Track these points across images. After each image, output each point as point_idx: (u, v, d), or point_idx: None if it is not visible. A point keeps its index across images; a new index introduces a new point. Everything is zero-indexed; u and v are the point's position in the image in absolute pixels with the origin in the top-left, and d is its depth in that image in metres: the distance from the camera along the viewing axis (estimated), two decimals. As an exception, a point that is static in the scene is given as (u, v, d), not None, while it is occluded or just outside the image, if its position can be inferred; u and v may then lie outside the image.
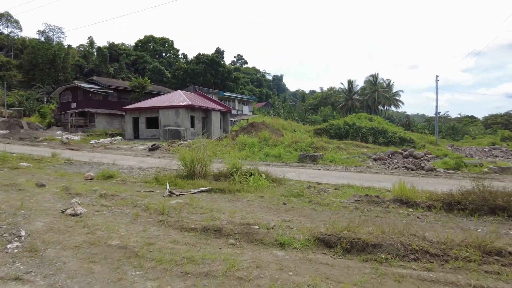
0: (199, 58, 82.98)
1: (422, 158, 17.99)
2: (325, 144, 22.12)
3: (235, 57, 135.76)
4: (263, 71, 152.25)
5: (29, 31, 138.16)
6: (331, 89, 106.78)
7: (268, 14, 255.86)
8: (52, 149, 19.64)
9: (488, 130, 64.27)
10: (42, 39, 75.32)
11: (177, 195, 6.43)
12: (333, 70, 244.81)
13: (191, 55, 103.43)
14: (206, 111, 30.63)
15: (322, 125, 30.76)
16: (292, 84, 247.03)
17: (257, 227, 4.36)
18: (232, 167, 9.60)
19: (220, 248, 3.74)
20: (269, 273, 3.04)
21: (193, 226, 4.35)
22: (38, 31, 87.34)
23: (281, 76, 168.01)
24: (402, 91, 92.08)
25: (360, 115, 35.42)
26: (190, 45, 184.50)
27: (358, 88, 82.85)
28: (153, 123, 29.89)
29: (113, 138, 28.92)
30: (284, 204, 6.00)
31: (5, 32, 77.55)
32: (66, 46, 75.80)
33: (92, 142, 26.20)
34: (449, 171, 14.11)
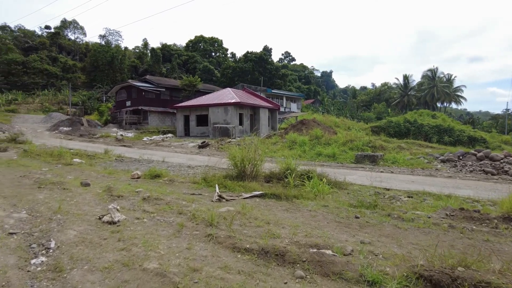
0: (247, 56, 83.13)
1: (502, 161, 15.40)
2: (384, 143, 20.16)
3: (282, 54, 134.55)
4: (311, 68, 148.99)
5: (92, 36, 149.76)
6: (384, 84, 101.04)
7: (317, 10, 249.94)
8: (106, 146, 20.28)
9: None
10: (103, 42, 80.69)
11: (227, 200, 5.60)
12: (385, 65, 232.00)
13: (239, 54, 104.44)
14: (254, 109, 29.98)
15: (380, 123, 28.46)
16: (341, 81, 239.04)
17: (330, 252, 3.30)
18: (286, 168, 8.61)
19: (286, 283, 2.76)
20: None
21: (247, 246, 3.43)
22: (100, 35, 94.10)
23: (330, 72, 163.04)
24: (464, 86, 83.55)
25: (421, 111, 32.28)
26: (239, 44, 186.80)
27: (414, 83, 76.95)
28: (203, 120, 29.97)
29: (164, 135, 29.52)
30: (357, 217, 4.86)
31: (72, 38, 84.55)
32: (123, 48, 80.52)
33: (145, 139, 26.89)
34: (547, 178, 11.72)
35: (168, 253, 3.25)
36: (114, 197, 5.35)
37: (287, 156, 16.62)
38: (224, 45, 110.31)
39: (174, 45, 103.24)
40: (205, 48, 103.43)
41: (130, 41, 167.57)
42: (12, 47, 65.88)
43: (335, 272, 2.92)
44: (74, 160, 11.09)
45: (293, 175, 7.79)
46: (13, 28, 79.02)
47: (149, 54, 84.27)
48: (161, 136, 29.19)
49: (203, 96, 32.66)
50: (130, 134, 30.50)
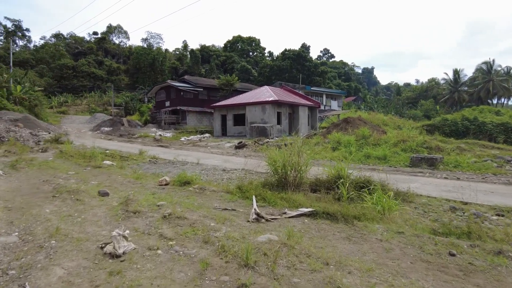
0: (285, 54, 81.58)
1: None
2: (441, 144, 17.82)
3: (321, 51, 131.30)
4: (352, 64, 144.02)
5: (135, 39, 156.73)
6: (432, 80, 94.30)
7: (356, 5, 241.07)
8: (143, 146, 20.02)
9: None
10: (145, 45, 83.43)
11: (267, 220, 4.38)
12: (430, 61, 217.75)
13: (276, 52, 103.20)
14: (293, 107, 28.52)
15: (433, 121, 25.71)
16: (383, 77, 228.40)
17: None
18: (336, 174, 7.22)
19: None
20: None
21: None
22: (142, 38, 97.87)
23: (372, 68, 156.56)
24: (528, 78, 74.97)
25: (482, 108, 28.79)
26: (276, 42, 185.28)
27: (466, 78, 70.41)
28: (240, 120, 29.11)
29: (202, 135, 29.09)
30: (452, 255, 3.40)
31: (116, 42, 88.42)
32: (163, 51, 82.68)
33: (182, 139, 26.58)
34: None
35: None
36: (130, 213, 4.35)
37: (332, 159, 15.10)
38: (262, 44, 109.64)
39: (213, 46, 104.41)
40: (242, 48, 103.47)
41: (170, 43, 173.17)
42: (64, 53, 70.19)
43: None
44: (105, 162, 10.52)
45: (347, 185, 6.38)
46: (65, 36, 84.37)
47: (189, 56, 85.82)
48: (199, 136, 28.77)
49: (240, 95, 31.82)
50: (168, 134, 30.47)
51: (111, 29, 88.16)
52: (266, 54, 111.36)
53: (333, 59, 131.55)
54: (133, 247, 3.21)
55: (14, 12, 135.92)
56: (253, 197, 5.44)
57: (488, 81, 63.22)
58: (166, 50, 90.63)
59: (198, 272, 2.80)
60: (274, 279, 2.66)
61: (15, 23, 74.56)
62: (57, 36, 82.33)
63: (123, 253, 3.07)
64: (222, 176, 9.32)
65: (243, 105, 27.54)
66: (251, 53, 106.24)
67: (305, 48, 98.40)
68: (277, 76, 73.07)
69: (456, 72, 70.54)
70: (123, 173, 8.70)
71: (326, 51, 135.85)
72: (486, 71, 65.98)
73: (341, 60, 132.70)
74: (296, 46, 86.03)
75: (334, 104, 55.60)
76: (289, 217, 4.57)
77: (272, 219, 4.43)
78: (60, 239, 3.41)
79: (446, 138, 20.86)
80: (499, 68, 66.42)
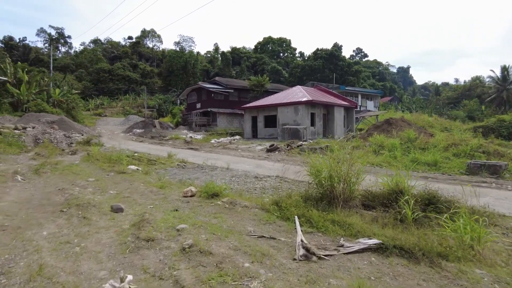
0: (317, 53, 79.57)
1: None
2: (500, 149, 15.66)
3: (354, 51, 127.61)
4: (386, 64, 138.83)
5: (168, 43, 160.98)
6: (476, 78, 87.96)
7: (390, 4, 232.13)
8: (173, 148, 19.49)
9: None
10: (177, 49, 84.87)
11: (319, 258, 3.24)
12: (471, 58, 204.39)
13: (308, 53, 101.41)
14: (328, 107, 26.96)
15: (486, 122, 23.11)
16: (419, 77, 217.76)
17: None
18: (394, 187, 5.93)
19: None
20: None
21: None
22: (174, 42, 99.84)
23: (408, 68, 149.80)
24: None
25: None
26: (307, 43, 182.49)
27: (516, 75, 64.45)
28: (271, 121, 28.03)
29: (232, 137, 28.34)
30: None
31: (150, 45, 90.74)
32: (195, 54, 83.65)
33: (212, 141, 25.95)
34: None
35: None
36: (141, 242, 3.40)
37: (377, 164, 13.58)
38: (292, 45, 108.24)
39: (243, 48, 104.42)
40: (273, 49, 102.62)
41: (202, 46, 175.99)
42: (101, 58, 73.00)
43: None
44: (130, 167, 9.85)
45: (412, 203, 5.08)
46: (103, 41, 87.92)
47: (220, 58, 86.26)
48: (229, 138, 28.04)
49: (271, 96, 30.73)
50: (199, 136, 30.05)
51: (145, 34, 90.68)
52: (297, 55, 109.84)
53: (366, 59, 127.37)
54: (133, 306, 2.21)
55: (58, 21, 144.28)
56: (296, 219, 4.31)
57: (542, 79, 57.51)
58: (198, 53, 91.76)
59: None
60: None
61: (58, 30, 78.75)
62: (95, 41, 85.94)
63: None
64: (254, 185, 8.26)
65: (275, 106, 26.43)
66: (281, 54, 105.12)
67: (337, 47, 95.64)
68: (308, 77, 71.29)
69: (504, 69, 64.75)
70: (147, 180, 7.90)
71: (359, 51, 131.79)
72: (542, 66, 60.09)
73: (375, 60, 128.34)
74: (328, 46, 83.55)
75: (370, 104, 53.05)
76: (348, 253, 3.40)
77: (326, 255, 3.28)
78: (39, 286, 2.49)
79: (504, 142, 18.47)
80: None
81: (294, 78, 74.06)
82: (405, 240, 3.54)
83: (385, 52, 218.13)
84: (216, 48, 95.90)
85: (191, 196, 6.05)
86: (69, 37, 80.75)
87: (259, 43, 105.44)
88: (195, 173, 10.27)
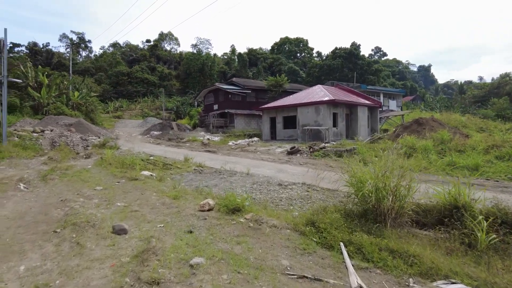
0: (335, 52, 77.85)
1: None
2: (550, 150, 14.09)
3: (372, 50, 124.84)
4: (406, 62, 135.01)
5: (185, 45, 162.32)
6: (505, 75, 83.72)
7: (408, 1, 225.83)
8: (190, 151, 18.81)
9: None
10: (194, 51, 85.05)
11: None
12: (497, 55, 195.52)
13: (325, 52, 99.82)
14: (351, 107, 25.66)
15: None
16: (440, 75, 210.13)
17: None
18: (452, 200, 4.89)
19: None
20: None
21: None
22: (192, 44, 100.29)
23: (429, 66, 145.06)
24: None
25: None
26: (325, 43, 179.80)
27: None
28: (290, 122, 26.99)
29: (250, 139, 27.49)
30: None
31: (168, 48, 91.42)
32: (212, 55, 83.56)
33: (230, 143, 25.19)
34: None
35: None
36: (143, 285, 2.53)
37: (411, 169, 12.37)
38: (310, 45, 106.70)
39: (260, 49, 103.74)
40: (290, 50, 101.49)
41: (219, 48, 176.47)
42: (120, 61, 73.98)
43: None
44: (143, 173, 9.11)
45: (485, 226, 4.02)
46: (121, 45, 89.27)
47: (236, 60, 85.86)
48: (247, 140, 27.20)
49: (290, 96, 29.67)
50: (216, 138, 29.37)
51: (162, 37, 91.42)
52: (314, 55, 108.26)
53: (385, 58, 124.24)
54: None
55: (79, 26, 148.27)
56: (342, 248, 3.35)
57: None
58: (215, 55, 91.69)
59: None
60: None
61: (79, 35, 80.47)
62: (114, 45, 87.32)
63: None
64: (279, 194, 7.31)
65: (294, 106, 25.37)
66: (298, 54, 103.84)
67: (355, 46, 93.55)
68: (327, 76, 69.73)
69: (537, 65, 61.21)
70: (160, 188, 7.11)
71: (377, 49, 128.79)
72: None
73: (394, 58, 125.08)
74: (346, 46, 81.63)
75: (392, 104, 51.12)
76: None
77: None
78: None
79: (551, 143, 16.75)
80: None
81: (312, 78, 72.61)
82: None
83: (405, 50, 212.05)
84: (233, 50, 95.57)
85: (208, 210, 5.18)
86: (89, 41, 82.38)
87: (275, 43, 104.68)
88: (213, 179, 9.44)
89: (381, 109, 40.82)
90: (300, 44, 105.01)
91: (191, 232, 3.98)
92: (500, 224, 4.54)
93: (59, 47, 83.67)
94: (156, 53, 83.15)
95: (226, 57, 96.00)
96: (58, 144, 17.51)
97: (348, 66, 72.92)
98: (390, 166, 5.07)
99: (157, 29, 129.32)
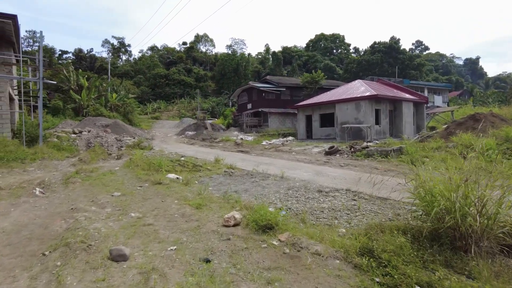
0: (374, 47, 74.31)
1: None
2: None
3: (413, 44, 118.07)
4: (451, 56, 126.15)
5: (220, 46, 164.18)
6: None
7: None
8: (222, 151, 18.13)
9: None
10: (229, 52, 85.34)
11: None
12: None
13: (362, 48, 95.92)
14: (395, 103, 23.62)
15: None
16: (491, 69, 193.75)
17: None
18: None
19: None
20: None
21: None
22: (226, 45, 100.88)
23: (477, 59, 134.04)
24: None
25: None
26: (362, 38, 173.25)
27: None
28: (327, 120, 25.50)
29: (284, 139, 26.39)
30: None
31: (203, 50, 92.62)
32: (246, 55, 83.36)
33: (264, 143, 24.27)
34: None
35: None
36: None
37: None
38: (346, 41, 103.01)
39: (295, 46, 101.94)
40: (325, 46, 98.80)
41: (253, 48, 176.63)
42: (158, 63, 76.04)
43: None
44: (168, 176, 8.42)
45: None
46: (159, 48, 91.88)
47: (271, 58, 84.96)
48: (281, 139, 26.12)
49: (327, 92, 28.09)
50: (249, 137, 28.60)
51: (198, 38, 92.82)
52: (351, 51, 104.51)
53: (427, 51, 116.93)
54: None
55: (119, 32, 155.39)
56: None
57: None
58: (249, 54, 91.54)
59: None
60: None
61: (119, 40, 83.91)
62: (152, 48, 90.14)
63: None
64: (319, 203, 6.20)
65: (332, 103, 23.85)
66: (334, 51, 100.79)
67: (394, 41, 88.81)
68: (365, 72, 66.58)
69: None
70: (184, 194, 6.30)
71: (419, 43, 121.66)
72: None
73: (437, 52, 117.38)
74: (384, 40, 77.56)
75: (437, 99, 47.40)
76: None
77: None
78: None
79: None
80: None
81: (350, 74, 69.73)
82: None
83: (449, 43, 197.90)
84: (267, 49, 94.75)
85: (234, 225, 4.23)
86: (129, 45, 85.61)
87: (311, 40, 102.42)
88: (244, 182, 8.51)
89: (427, 105, 37.78)
90: (336, 40, 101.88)
91: (208, 261, 3.05)
92: None
93: (102, 52, 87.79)
94: (192, 55, 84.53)
95: (260, 56, 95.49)
96: (93, 145, 17.61)
97: (388, 61, 69.16)
98: (472, 172, 3.82)
99: (193, 31, 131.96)
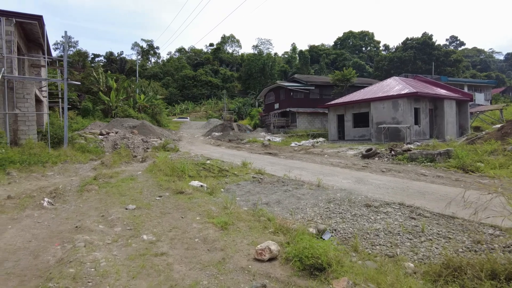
0: (407, 43, 70.69)
1: None
2: None
3: (447, 39, 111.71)
4: (490, 51, 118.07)
5: (246, 47, 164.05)
6: None
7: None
8: (249, 153, 17.23)
9: None
10: (256, 52, 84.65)
11: None
12: None
13: (393, 45, 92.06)
14: (435, 101, 21.67)
15: None
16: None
17: None
18: None
19: None
20: None
21: None
22: (253, 46, 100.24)
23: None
24: None
25: None
26: (392, 35, 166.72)
27: None
28: (361, 120, 23.94)
29: (314, 140, 25.10)
30: None
31: (230, 51, 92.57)
32: (273, 55, 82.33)
33: (293, 144, 23.15)
34: None
35: None
36: None
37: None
38: (376, 38, 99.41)
39: (322, 45, 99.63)
40: (354, 44, 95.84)
41: (279, 47, 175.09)
42: (186, 65, 76.76)
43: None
44: (192, 183, 7.58)
45: None
46: (187, 49, 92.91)
47: (297, 58, 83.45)
48: (311, 140, 24.86)
49: (361, 90, 26.44)
50: (277, 138, 27.56)
51: (224, 39, 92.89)
52: (381, 48, 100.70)
53: (463, 47, 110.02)
54: None
55: (148, 34, 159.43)
56: None
57: None
58: (276, 54, 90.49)
59: None
60: None
61: (148, 43, 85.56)
62: (180, 50, 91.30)
63: None
64: (371, 223, 5.06)
65: (366, 102, 22.28)
66: (363, 48, 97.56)
67: (428, 37, 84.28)
68: (397, 69, 63.35)
69: None
70: (208, 208, 5.40)
71: (453, 39, 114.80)
72: None
73: (475, 47, 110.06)
74: (417, 36, 73.62)
75: (479, 97, 43.95)
76: None
77: None
78: None
79: None
80: None
81: (381, 72, 66.73)
82: None
83: (487, 37, 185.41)
84: (294, 48, 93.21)
85: (269, 260, 3.24)
86: (157, 48, 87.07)
87: (339, 38, 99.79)
88: (275, 191, 7.51)
89: (471, 102, 34.96)
90: (365, 37, 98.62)
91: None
92: None
93: (132, 55, 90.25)
94: (219, 56, 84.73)
95: (286, 56, 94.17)
96: (119, 146, 17.31)
97: (421, 57, 65.49)
98: None
99: (217, 28, 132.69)
